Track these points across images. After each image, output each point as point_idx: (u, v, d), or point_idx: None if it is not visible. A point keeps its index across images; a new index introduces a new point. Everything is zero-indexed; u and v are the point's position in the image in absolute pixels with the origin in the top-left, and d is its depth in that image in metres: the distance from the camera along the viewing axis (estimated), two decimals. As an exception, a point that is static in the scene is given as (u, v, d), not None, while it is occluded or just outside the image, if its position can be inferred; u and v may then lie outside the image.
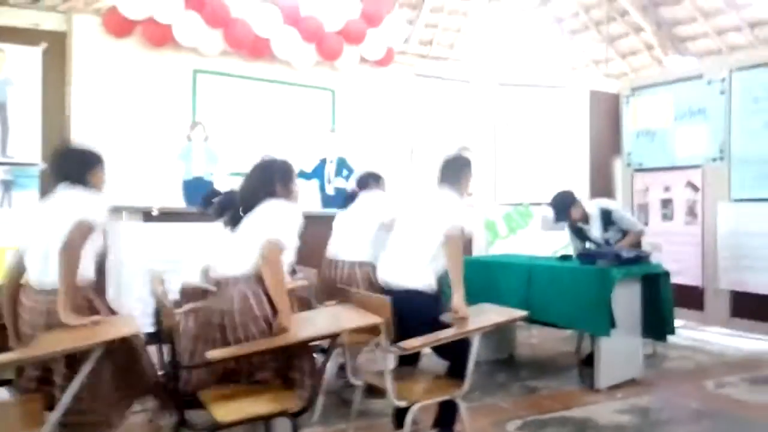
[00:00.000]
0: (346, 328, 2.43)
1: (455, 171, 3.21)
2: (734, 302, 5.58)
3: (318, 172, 5.09)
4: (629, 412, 3.69)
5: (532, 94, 6.30)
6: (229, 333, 2.39)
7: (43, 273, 2.47)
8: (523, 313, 2.97)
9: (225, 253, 2.64)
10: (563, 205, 4.60)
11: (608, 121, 6.69)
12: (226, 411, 2.25)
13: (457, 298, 2.82)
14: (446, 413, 2.91)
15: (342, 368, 3.89)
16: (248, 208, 2.66)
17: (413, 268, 2.96)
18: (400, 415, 2.91)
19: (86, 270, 2.55)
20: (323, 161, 5.13)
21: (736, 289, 5.52)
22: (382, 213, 3.92)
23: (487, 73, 6.18)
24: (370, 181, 4.19)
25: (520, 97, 6.25)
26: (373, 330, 2.53)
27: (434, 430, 2.95)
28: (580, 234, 4.77)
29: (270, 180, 2.72)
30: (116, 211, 4.27)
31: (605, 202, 4.82)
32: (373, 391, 3.76)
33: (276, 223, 2.52)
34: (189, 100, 4.71)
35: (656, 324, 4.31)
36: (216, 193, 3.55)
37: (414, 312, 2.75)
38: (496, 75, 6.20)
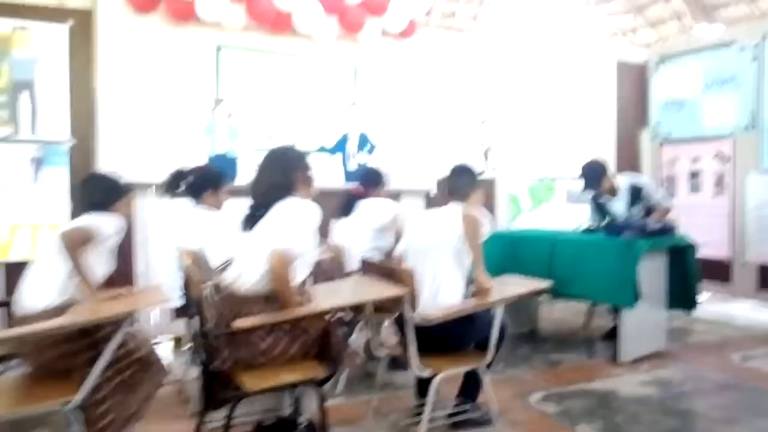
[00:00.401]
0: (370, 299, 2.46)
1: (463, 185, 3.05)
2: (762, 275, 5.51)
3: (340, 147, 5.10)
4: (653, 384, 3.70)
5: (557, 65, 6.19)
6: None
7: (32, 294, 2.52)
8: (546, 283, 2.98)
9: (239, 259, 2.50)
10: (595, 174, 4.44)
11: (635, 92, 6.56)
12: (253, 380, 2.31)
13: (480, 271, 2.83)
14: (470, 384, 2.94)
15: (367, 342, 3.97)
16: (265, 205, 2.50)
17: (443, 298, 2.81)
18: (422, 385, 2.95)
19: (95, 274, 2.59)
20: (345, 136, 5.13)
21: (765, 261, 5.44)
22: (381, 219, 3.96)
23: (511, 44, 6.08)
24: (370, 183, 4.10)
25: (546, 68, 6.15)
26: (396, 301, 2.56)
27: (458, 400, 2.98)
28: (601, 209, 4.67)
29: (287, 172, 2.55)
30: (143, 186, 4.35)
31: (636, 177, 4.72)
32: (396, 364, 3.85)
33: (287, 227, 2.39)
34: (213, 76, 4.73)
35: (682, 296, 4.28)
36: (182, 175, 3.53)
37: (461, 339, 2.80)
38: (520, 46, 6.10)
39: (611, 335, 4.40)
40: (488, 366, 2.83)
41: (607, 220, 4.55)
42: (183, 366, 3.66)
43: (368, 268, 2.96)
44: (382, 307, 2.69)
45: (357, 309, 3.20)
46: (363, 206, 4.01)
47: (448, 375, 2.67)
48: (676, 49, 6.35)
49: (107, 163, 4.25)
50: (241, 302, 2.33)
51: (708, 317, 5.43)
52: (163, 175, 4.36)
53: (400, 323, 2.70)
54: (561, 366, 4.14)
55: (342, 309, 3.14)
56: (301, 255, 2.40)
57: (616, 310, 4.40)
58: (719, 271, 5.76)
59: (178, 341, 4.20)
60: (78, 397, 2.19)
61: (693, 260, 4.29)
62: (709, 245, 5.65)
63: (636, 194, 4.47)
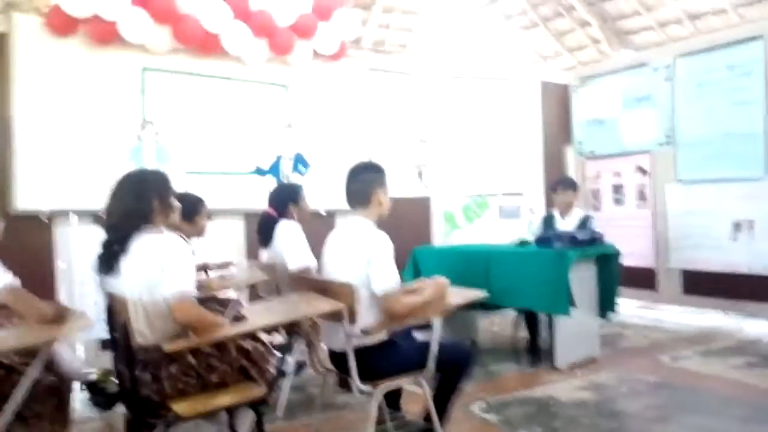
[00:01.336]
0: (307, 314, 2.41)
1: (362, 188, 2.77)
2: (685, 280, 5.77)
3: (274, 169, 5.05)
4: (589, 388, 3.78)
5: (485, 86, 6.38)
6: None
7: None
8: (482, 293, 3.00)
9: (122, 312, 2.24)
10: (573, 182, 5.09)
11: (559, 111, 6.84)
12: (185, 406, 2.21)
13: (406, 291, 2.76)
14: (438, 406, 2.78)
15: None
16: (120, 239, 2.24)
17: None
18: (390, 397, 2.91)
19: None
20: (279, 157, 5.09)
21: (687, 267, 5.71)
22: (294, 244, 3.59)
23: (440, 67, 6.23)
24: (281, 203, 3.75)
25: (474, 90, 6.33)
26: (335, 317, 2.52)
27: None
28: (548, 222, 4.99)
29: (142, 198, 2.29)
30: (64, 214, 4.16)
31: (588, 212, 5.33)
32: (341, 384, 3.79)
33: (167, 271, 2.17)
34: (138, 98, 4.61)
35: (606, 302, 4.44)
36: None
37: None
38: (449, 68, 6.26)
39: (532, 347, 4.58)
40: (448, 389, 2.79)
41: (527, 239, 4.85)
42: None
43: (300, 283, 2.92)
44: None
45: (292, 331, 3.15)
46: (278, 231, 3.64)
47: (387, 388, 2.64)
48: (596, 71, 6.67)
49: (26, 191, 4.04)
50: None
51: (637, 323, 5.64)
52: (87, 202, 4.22)
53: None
54: (500, 375, 4.18)
55: (276, 329, 3.09)
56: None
57: (530, 323, 4.63)
58: (645, 279, 6.00)
59: (106, 375, 3.99)
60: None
61: (616, 267, 4.46)
62: (635, 255, 5.90)
63: (583, 224, 4.79)
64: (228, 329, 2.21)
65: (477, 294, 3.03)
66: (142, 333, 2.22)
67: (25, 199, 4.03)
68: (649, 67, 6.06)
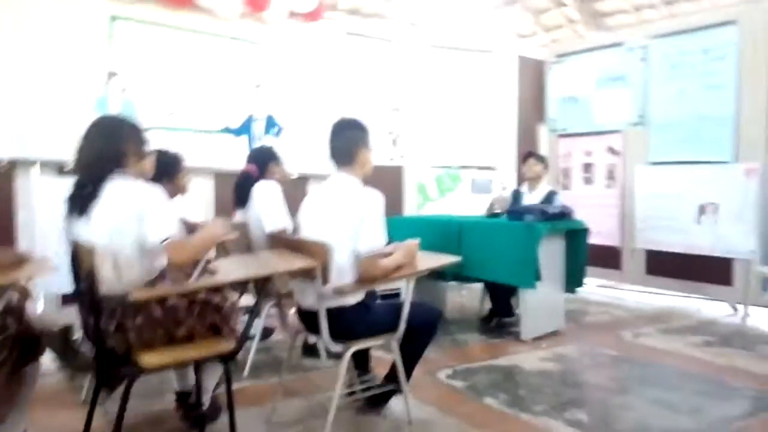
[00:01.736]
0: (279, 270, 2.36)
1: (347, 145, 2.69)
2: (649, 261, 5.87)
3: (245, 129, 4.92)
4: (553, 360, 3.83)
5: (462, 57, 6.33)
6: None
7: None
8: (456, 258, 2.99)
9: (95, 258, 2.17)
10: (542, 156, 5.14)
11: (535, 87, 6.83)
12: (152, 358, 2.15)
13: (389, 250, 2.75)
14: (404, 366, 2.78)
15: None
16: (91, 181, 2.19)
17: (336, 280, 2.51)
18: (358, 359, 2.90)
19: None
20: (250, 117, 4.96)
21: (651, 248, 5.81)
22: (272, 204, 3.56)
23: (418, 35, 6.15)
24: (261, 162, 3.70)
25: (451, 60, 6.26)
26: (308, 275, 2.47)
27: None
28: (516, 198, 5.05)
29: (115, 141, 2.25)
30: (28, 164, 3.99)
31: (554, 188, 5.37)
32: (309, 350, 3.78)
33: (149, 219, 2.16)
34: (105, 48, 4.42)
35: (573, 277, 4.49)
36: None
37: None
38: (426, 37, 6.17)
39: (489, 318, 4.69)
40: (414, 349, 2.80)
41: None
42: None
43: (277, 242, 2.85)
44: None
45: (263, 291, 3.10)
46: (256, 191, 3.58)
47: (358, 348, 2.61)
48: (572, 48, 6.67)
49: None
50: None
51: (601, 300, 5.75)
52: (50, 152, 4.05)
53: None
54: (467, 345, 4.21)
55: (246, 290, 3.03)
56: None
57: (493, 295, 4.71)
58: (610, 259, 6.10)
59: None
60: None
61: (585, 243, 4.51)
62: (601, 234, 5.97)
63: (548, 199, 4.83)
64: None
65: (450, 259, 3.02)
66: (109, 281, 2.14)
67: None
68: (625, 47, 6.08)
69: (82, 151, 2.27)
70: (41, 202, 3.99)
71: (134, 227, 2.15)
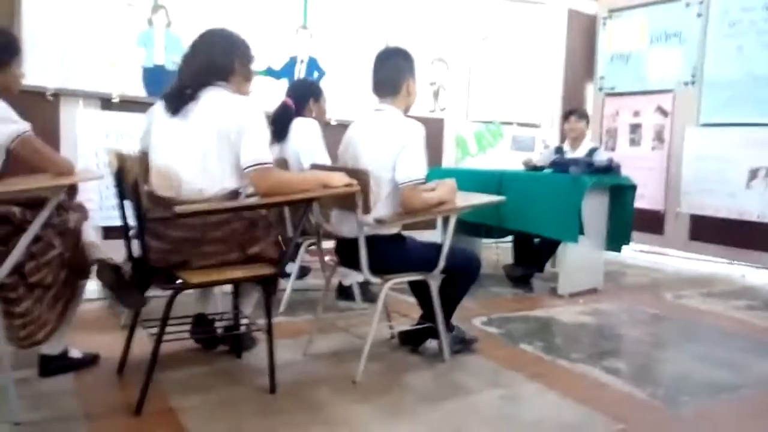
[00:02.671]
0: (323, 193, 2.32)
1: (392, 75, 2.62)
2: (693, 226, 5.70)
3: (287, 71, 4.86)
4: (590, 314, 3.77)
5: (509, 8, 6.11)
6: None
7: None
8: (499, 197, 2.93)
9: (180, 158, 2.22)
10: (585, 112, 5.03)
11: (584, 43, 6.59)
12: (194, 276, 2.16)
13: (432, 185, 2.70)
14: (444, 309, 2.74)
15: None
16: (195, 86, 2.22)
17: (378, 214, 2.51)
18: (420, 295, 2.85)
19: None
20: (293, 59, 4.90)
21: (697, 212, 5.63)
22: (311, 144, 3.53)
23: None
24: (301, 97, 3.64)
25: (498, 10, 6.06)
26: (348, 205, 2.45)
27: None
28: (559, 153, 4.92)
29: (227, 55, 2.29)
30: (70, 94, 4.02)
31: (597, 145, 5.26)
32: (343, 294, 3.79)
33: (250, 137, 2.17)
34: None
35: (615, 236, 4.38)
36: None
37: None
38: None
39: (519, 280, 4.55)
40: (452, 292, 2.76)
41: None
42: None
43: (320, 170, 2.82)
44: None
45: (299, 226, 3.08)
46: (294, 127, 3.52)
47: (397, 283, 2.59)
48: (626, 2, 6.39)
49: (31, 66, 3.87)
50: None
51: (641, 264, 5.62)
52: (94, 85, 4.07)
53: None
54: (502, 297, 4.17)
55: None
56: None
57: (519, 249, 4.62)
58: (652, 223, 5.93)
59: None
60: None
61: (631, 200, 4.38)
62: (645, 197, 5.80)
63: (590, 155, 4.66)
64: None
65: (492, 198, 2.97)
66: (191, 182, 2.16)
67: (31, 74, 3.87)
68: (682, 2, 5.81)
69: (188, 58, 2.29)
70: (84, 135, 4.02)
71: (231, 138, 2.15)
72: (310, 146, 3.43)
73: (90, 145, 4.03)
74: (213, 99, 2.20)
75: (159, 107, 2.30)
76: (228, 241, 2.20)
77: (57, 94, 3.97)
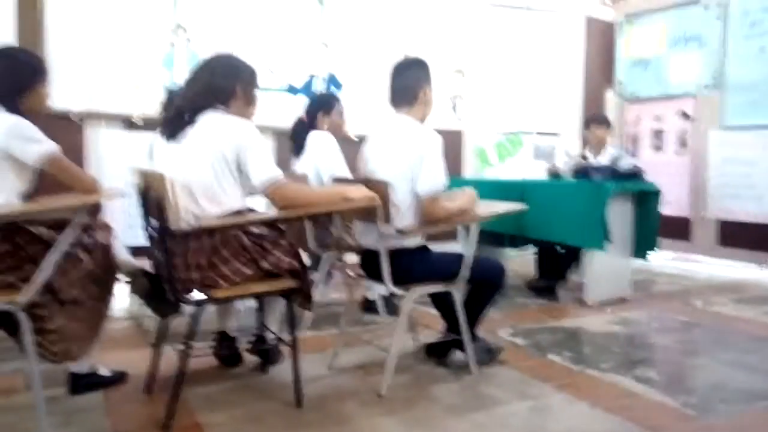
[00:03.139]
0: (344, 207, 2.32)
1: (410, 84, 2.61)
2: (721, 231, 5.59)
3: (307, 88, 4.91)
4: (619, 323, 3.70)
5: (526, 17, 6.12)
6: None
7: None
8: (520, 205, 2.91)
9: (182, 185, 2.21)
10: (605, 118, 4.90)
11: (602, 50, 6.56)
12: (221, 291, 2.17)
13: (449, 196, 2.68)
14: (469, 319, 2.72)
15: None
16: (193, 110, 2.22)
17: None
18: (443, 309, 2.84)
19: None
20: (313, 76, 4.95)
21: (723, 217, 5.53)
22: (327, 157, 3.58)
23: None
24: (315, 110, 3.68)
25: (514, 20, 6.07)
26: (370, 216, 2.44)
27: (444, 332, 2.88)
28: (583, 159, 4.86)
29: (228, 78, 2.28)
30: (95, 116, 4.10)
31: (621, 150, 5.25)
32: (368, 308, 3.78)
33: (254, 155, 2.18)
34: (171, 3, 4.46)
35: (641, 243, 4.30)
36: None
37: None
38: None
39: (544, 292, 4.46)
40: (477, 303, 2.74)
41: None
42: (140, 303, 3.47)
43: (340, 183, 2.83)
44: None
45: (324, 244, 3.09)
46: (309, 141, 3.57)
47: (419, 292, 2.58)
48: (643, 7, 6.36)
49: (58, 89, 3.97)
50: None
51: (668, 271, 5.52)
52: (117, 106, 4.16)
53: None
54: (527, 307, 4.12)
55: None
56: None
57: (543, 260, 4.53)
58: (679, 230, 5.84)
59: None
60: (25, 294, 1.98)
61: (657, 206, 4.31)
62: (670, 203, 5.71)
63: (614, 161, 4.60)
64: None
65: (513, 206, 2.95)
66: (184, 211, 2.16)
67: (57, 97, 3.97)
68: (701, 5, 5.75)
69: (189, 82, 2.30)
70: (108, 156, 4.10)
71: (228, 159, 2.16)
72: (326, 159, 3.47)
73: (114, 165, 4.10)
74: (209, 122, 2.20)
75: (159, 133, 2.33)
76: (238, 258, 2.20)
77: (82, 117, 4.06)
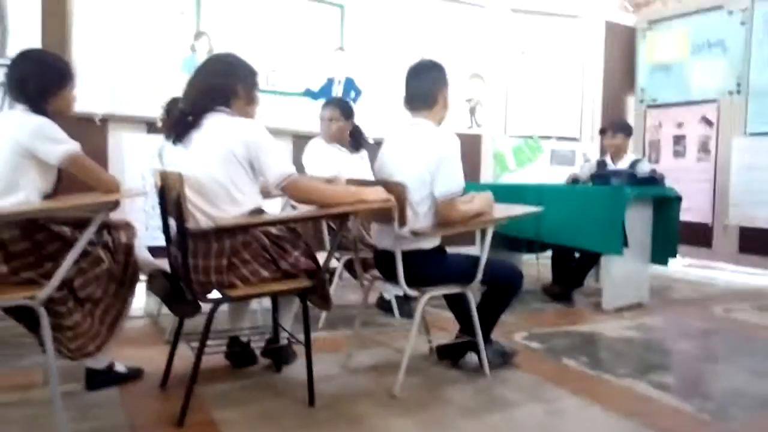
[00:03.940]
0: (360, 208, 2.33)
1: (427, 88, 2.60)
2: (742, 238, 5.51)
3: (325, 92, 4.95)
4: (637, 328, 3.67)
5: (546, 22, 6.11)
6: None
7: None
8: (536, 208, 2.90)
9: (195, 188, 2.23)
10: (623, 125, 4.76)
11: (623, 55, 6.51)
12: (237, 290, 2.19)
13: (466, 198, 2.69)
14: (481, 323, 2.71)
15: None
16: (195, 112, 2.23)
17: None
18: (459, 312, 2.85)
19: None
20: (331, 81, 4.99)
21: (745, 224, 5.45)
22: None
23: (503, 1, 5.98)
24: None
25: (534, 25, 6.06)
26: (386, 217, 2.45)
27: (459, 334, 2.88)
28: (601, 167, 4.77)
29: (228, 79, 2.29)
30: (117, 119, 4.18)
31: (639, 156, 5.20)
32: (383, 308, 3.79)
33: (266, 153, 2.19)
34: (193, 8, 4.53)
35: (660, 249, 4.25)
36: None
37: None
38: (509, 1, 5.98)
39: (559, 297, 4.42)
40: (492, 306, 2.75)
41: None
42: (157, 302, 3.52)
43: (354, 185, 2.84)
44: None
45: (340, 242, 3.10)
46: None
47: (433, 294, 2.58)
48: (666, 13, 6.31)
49: (80, 94, 4.05)
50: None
51: (688, 278, 5.45)
52: (139, 110, 4.22)
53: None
54: (543, 312, 4.10)
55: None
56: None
57: (558, 265, 4.49)
58: (700, 236, 5.77)
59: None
60: (45, 290, 2.02)
61: (677, 212, 4.26)
62: (691, 210, 5.65)
63: (633, 167, 4.54)
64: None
65: (529, 208, 2.94)
66: (204, 211, 2.20)
67: (81, 100, 4.04)
68: (724, 10, 5.69)
69: (192, 84, 2.30)
70: (130, 158, 4.17)
71: (240, 159, 2.18)
72: (306, 163, 3.78)
73: (136, 167, 4.16)
74: (214, 124, 2.20)
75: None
76: (258, 260, 2.22)
77: (105, 119, 4.13)
